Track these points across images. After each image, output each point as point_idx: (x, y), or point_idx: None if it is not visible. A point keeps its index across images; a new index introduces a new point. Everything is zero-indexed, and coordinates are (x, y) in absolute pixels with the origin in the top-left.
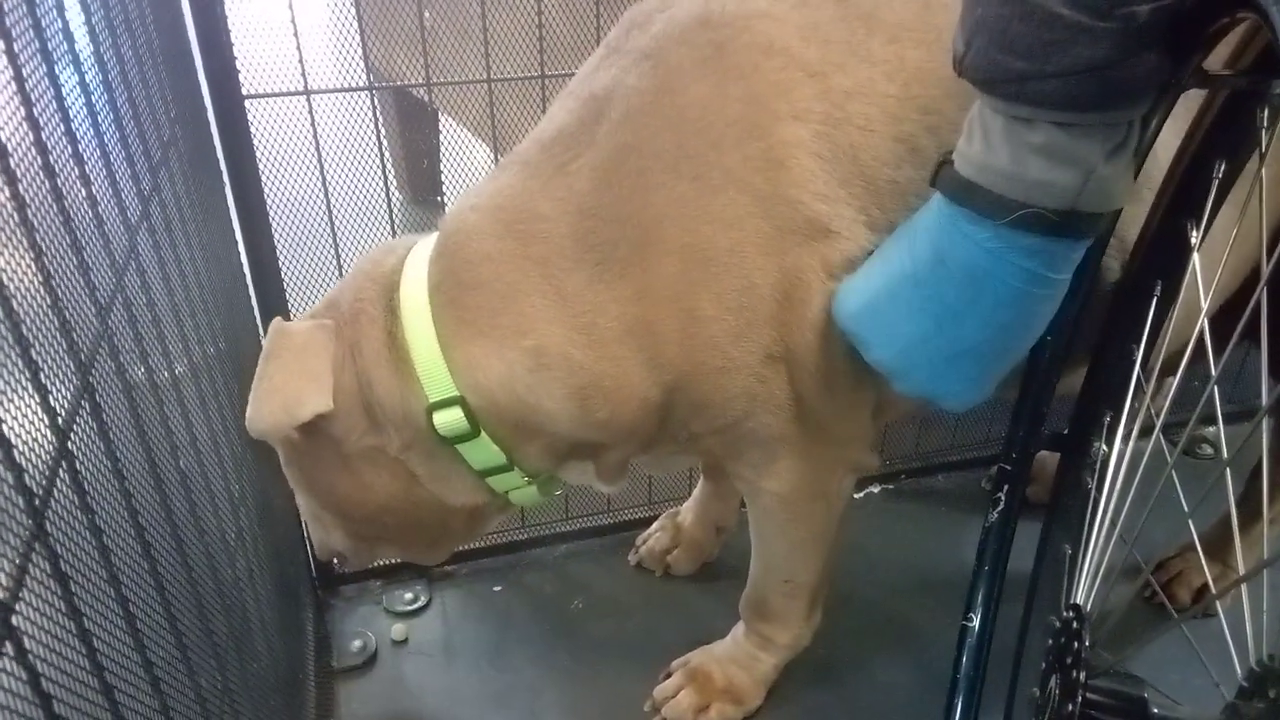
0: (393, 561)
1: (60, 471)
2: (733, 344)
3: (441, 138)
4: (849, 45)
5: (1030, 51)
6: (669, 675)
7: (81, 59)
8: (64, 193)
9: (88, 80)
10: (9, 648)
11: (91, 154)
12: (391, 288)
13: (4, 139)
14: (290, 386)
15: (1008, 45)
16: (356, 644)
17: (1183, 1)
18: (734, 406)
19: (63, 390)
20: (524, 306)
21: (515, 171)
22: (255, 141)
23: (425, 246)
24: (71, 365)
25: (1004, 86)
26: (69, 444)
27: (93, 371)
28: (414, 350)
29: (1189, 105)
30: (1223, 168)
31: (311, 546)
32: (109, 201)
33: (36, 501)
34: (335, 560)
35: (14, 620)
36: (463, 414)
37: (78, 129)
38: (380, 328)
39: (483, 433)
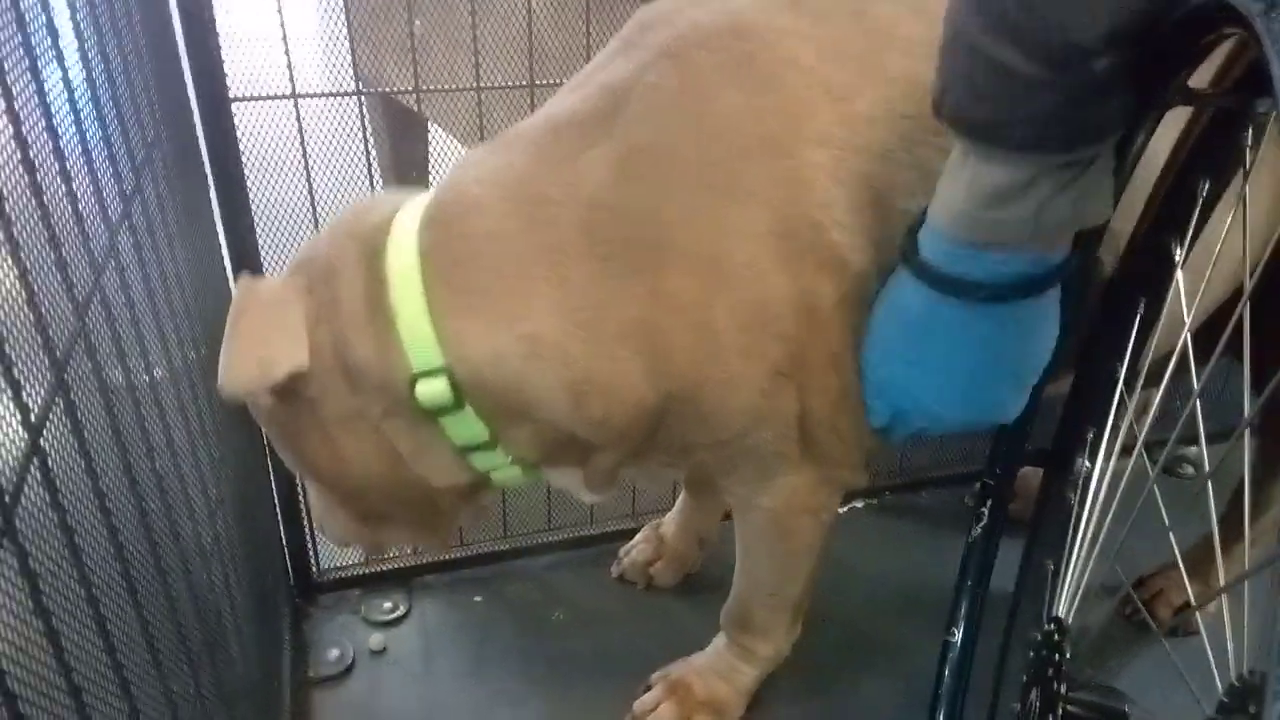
0: (372, 570)
1: (31, 468)
2: (740, 359)
3: (431, 148)
4: (868, 64)
5: (998, 101)
6: (649, 688)
7: (66, 56)
8: (43, 188)
9: (71, 77)
10: None
11: (73, 150)
12: (374, 249)
13: None
14: (264, 343)
15: (977, 95)
16: (334, 653)
17: (1141, 57)
18: (736, 421)
19: (37, 387)
20: (522, 291)
21: (522, 151)
22: (241, 145)
23: (415, 209)
24: (46, 361)
25: (978, 132)
26: (41, 441)
27: (68, 369)
28: (400, 317)
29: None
30: (1207, 186)
31: (289, 556)
32: (89, 199)
33: (6, 498)
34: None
35: None
36: (447, 385)
37: (60, 125)
38: (360, 288)
39: (467, 406)
